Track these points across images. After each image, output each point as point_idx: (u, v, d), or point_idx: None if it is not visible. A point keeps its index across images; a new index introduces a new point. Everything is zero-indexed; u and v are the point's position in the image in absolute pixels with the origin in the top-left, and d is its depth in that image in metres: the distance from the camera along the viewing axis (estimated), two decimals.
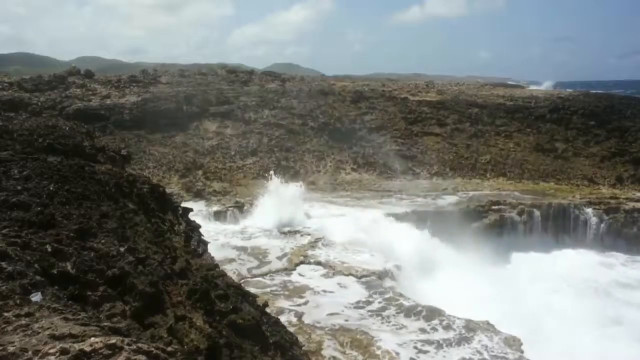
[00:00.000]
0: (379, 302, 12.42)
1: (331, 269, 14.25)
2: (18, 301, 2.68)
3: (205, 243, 8.11)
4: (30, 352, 2.09)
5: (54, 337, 2.23)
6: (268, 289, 12.81)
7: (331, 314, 11.67)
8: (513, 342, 10.73)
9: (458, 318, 11.74)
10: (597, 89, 52.69)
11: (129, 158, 9.41)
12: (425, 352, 10.40)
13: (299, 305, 12.05)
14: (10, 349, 2.11)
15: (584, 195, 22.55)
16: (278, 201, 18.52)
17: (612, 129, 28.71)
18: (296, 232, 17.38)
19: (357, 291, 13.01)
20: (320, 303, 12.23)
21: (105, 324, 2.68)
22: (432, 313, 11.90)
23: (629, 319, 14.56)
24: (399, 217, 18.90)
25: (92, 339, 2.18)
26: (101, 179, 5.88)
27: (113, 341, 2.14)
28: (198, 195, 20.91)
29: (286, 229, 17.68)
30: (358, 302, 12.42)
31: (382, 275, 14.09)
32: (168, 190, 8.79)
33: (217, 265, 6.36)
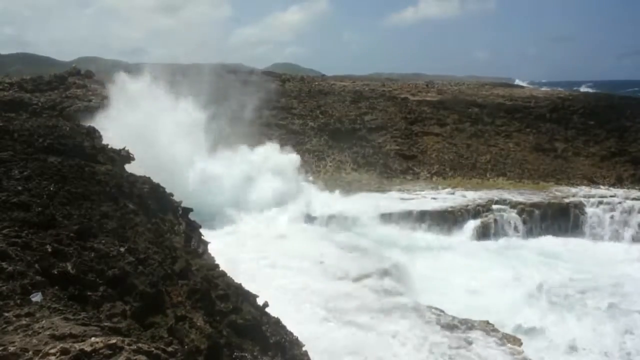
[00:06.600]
0: (379, 302, 12.42)
1: (331, 269, 14.23)
2: (18, 301, 2.69)
3: (206, 243, 8.10)
4: (30, 352, 2.10)
5: (54, 337, 2.23)
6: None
7: (331, 314, 11.66)
8: (513, 342, 10.73)
9: (458, 318, 11.76)
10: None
11: (129, 158, 9.41)
12: (425, 351, 10.39)
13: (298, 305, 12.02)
14: (11, 349, 2.12)
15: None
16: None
17: (612, 129, 28.67)
18: None
19: (356, 291, 13.00)
20: (320, 303, 12.21)
21: (106, 324, 2.68)
22: (432, 313, 11.91)
23: None
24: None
25: (93, 339, 2.18)
26: (101, 180, 5.88)
27: (113, 341, 2.14)
28: None
29: None
30: (358, 302, 12.41)
31: (382, 274, 14.07)
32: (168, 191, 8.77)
33: (217, 265, 6.36)
